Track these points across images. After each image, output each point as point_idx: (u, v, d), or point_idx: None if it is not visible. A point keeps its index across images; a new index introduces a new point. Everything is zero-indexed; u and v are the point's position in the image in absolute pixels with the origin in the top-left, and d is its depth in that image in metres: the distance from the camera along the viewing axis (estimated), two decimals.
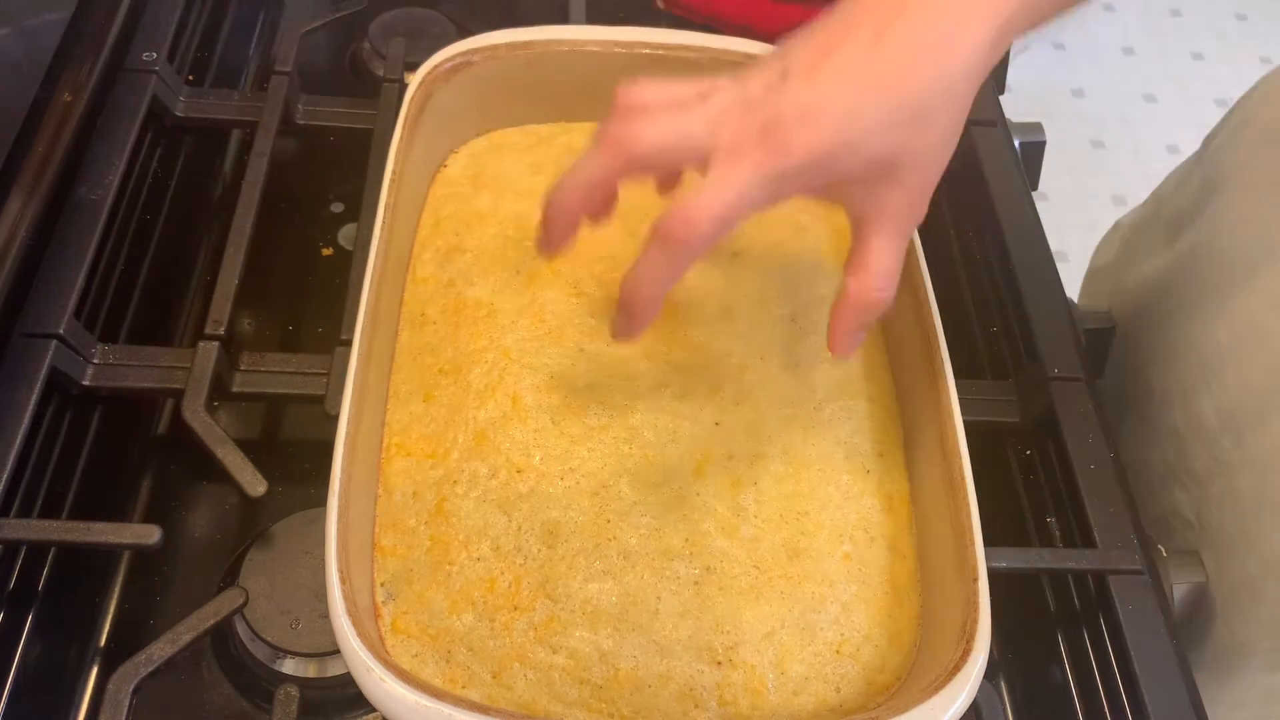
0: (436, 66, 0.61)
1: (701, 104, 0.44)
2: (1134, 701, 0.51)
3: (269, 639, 0.52)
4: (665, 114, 0.44)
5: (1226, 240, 0.68)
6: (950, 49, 0.43)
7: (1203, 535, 0.66)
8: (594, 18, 0.75)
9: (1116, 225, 0.89)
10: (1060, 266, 0.66)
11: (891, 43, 0.43)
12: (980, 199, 0.69)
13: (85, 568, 0.56)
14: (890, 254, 0.46)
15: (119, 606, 0.56)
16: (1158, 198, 0.82)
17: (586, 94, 0.65)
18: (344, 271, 0.61)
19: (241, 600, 0.51)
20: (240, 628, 0.53)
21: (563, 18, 0.76)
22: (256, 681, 0.53)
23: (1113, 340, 0.76)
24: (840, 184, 0.45)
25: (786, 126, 0.42)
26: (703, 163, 0.44)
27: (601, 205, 0.49)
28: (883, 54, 0.43)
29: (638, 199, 0.55)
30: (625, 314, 0.46)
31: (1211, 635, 0.66)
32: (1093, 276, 0.89)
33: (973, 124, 0.71)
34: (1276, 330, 0.64)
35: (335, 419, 0.49)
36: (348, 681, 0.45)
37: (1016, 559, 0.54)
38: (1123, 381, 0.77)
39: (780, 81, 0.43)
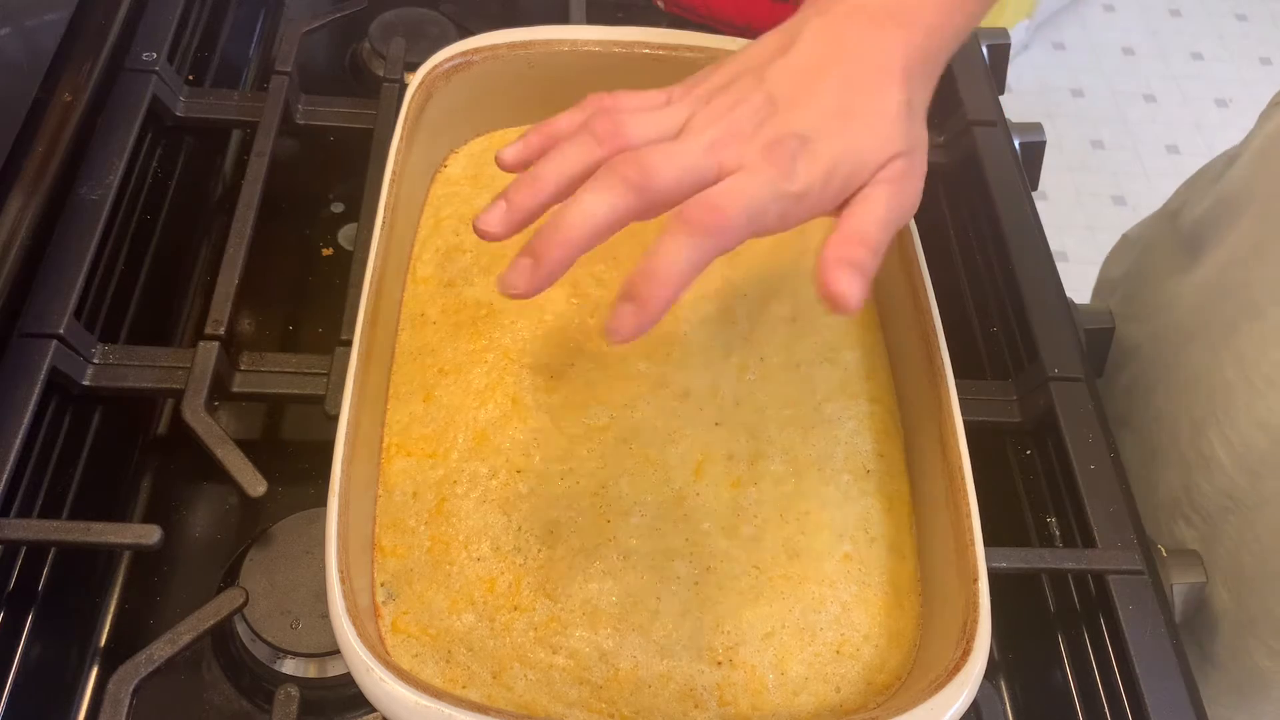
0: (436, 66, 0.61)
1: (696, 134, 0.44)
2: (1134, 701, 0.51)
3: (269, 639, 0.52)
4: (671, 148, 0.43)
5: (1238, 275, 0.67)
6: (893, 83, 0.45)
7: (1215, 570, 0.66)
8: (594, 18, 0.75)
9: (1125, 238, 0.88)
10: (1060, 266, 0.66)
11: (859, 88, 0.45)
12: (980, 199, 0.69)
13: (85, 568, 0.56)
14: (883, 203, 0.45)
15: (119, 606, 0.56)
16: (1170, 214, 0.81)
17: (586, 94, 0.65)
18: (344, 271, 0.61)
19: (241, 600, 0.51)
20: (240, 628, 0.53)
21: (563, 18, 0.76)
22: (256, 681, 0.53)
23: (1112, 345, 0.76)
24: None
25: (790, 151, 0.43)
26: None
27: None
28: (855, 95, 0.44)
29: None
30: (636, 305, 0.41)
31: (1235, 661, 0.67)
32: (1103, 289, 0.89)
33: (973, 124, 0.71)
34: None
35: (335, 419, 0.49)
36: (348, 681, 0.45)
37: (1016, 559, 0.54)
38: (1131, 405, 0.76)
39: (770, 110, 0.44)
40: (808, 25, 0.46)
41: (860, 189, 0.45)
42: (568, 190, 0.43)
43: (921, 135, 0.46)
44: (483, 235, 0.44)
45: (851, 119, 0.44)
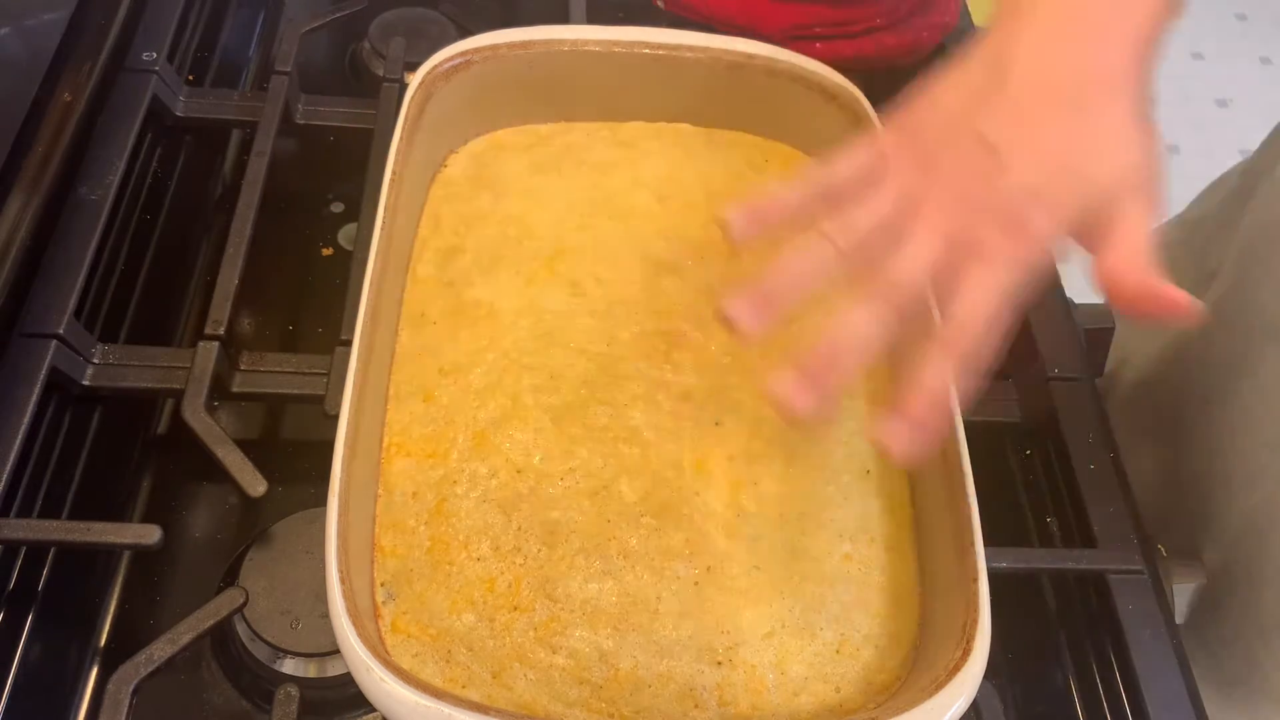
0: (436, 66, 0.61)
1: (927, 220, 0.41)
2: (1134, 701, 0.51)
3: (269, 639, 0.52)
4: (912, 252, 0.41)
5: (1260, 306, 0.66)
6: (1120, 93, 0.41)
7: (1228, 580, 0.66)
8: (594, 18, 0.75)
9: None
10: (1060, 266, 0.66)
11: (1085, 112, 0.41)
12: None
13: (85, 568, 0.56)
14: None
15: (119, 606, 0.56)
16: (1185, 225, 0.80)
17: (586, 94, 0.65)
18: (344, 271, 0.61)
19: (241, 600, 0.51)
20: (240, 628, 0.53)
21: (563, 18, 0.76)
22: (256, 681, 0.53)
23: (1111, 344, 0.75)
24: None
25: (1025, 218, 0.40)
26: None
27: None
28: (1083, 122, 0.41)
29: (634, 203, 0.55)
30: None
31: (1248, 671, 0.67)
32: None
33: None
34: None
35: (335, 419, 0.49)
36: (348, 681, 0.45)
37: (1016, 559, 0.54)
38: (1140, 415, 0.76)
39: (995, 168, 0.40)
40: (1018, 46, 0.42)
41: (1109, 212, 0.42)
42: (807, 294, 0.43)
43: (1152, 127, 0.42)
44: (732, 325, 0.42)
45: (1082, 153, 0.41)
